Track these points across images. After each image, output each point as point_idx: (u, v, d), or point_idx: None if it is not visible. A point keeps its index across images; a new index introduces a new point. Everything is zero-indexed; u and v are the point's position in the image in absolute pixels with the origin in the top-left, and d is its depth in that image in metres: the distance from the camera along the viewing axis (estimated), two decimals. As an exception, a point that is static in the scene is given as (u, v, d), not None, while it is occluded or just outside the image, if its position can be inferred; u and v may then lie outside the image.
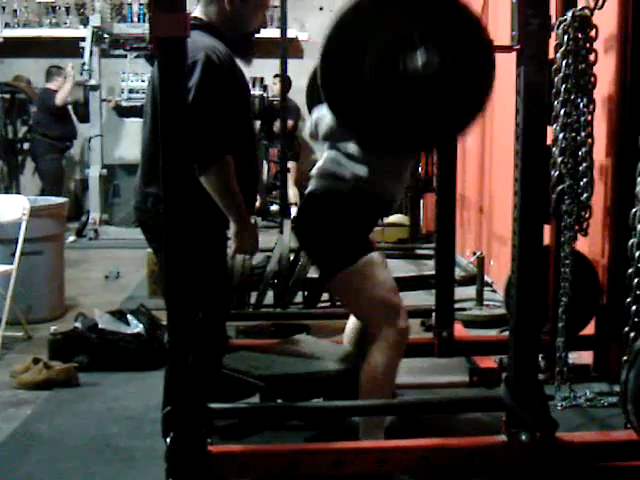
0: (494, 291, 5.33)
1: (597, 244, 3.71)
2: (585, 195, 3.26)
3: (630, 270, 2.37)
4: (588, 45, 3.19)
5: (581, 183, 3.26)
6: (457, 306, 4.03)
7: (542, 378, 2.99)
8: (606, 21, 3.37)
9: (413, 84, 2.14)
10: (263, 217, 8.03)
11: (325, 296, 4.72)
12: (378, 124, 2.21)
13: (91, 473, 2.84)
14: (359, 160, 2.71)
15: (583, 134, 3.23)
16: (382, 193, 2.78)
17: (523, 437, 2.32)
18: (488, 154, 5.86)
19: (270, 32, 5.90)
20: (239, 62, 2.62)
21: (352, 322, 3.06)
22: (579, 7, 3.22)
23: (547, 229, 3.41)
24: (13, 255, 4.31)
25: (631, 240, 2.37)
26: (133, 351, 3.94)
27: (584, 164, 3.24)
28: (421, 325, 4.42)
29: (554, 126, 3.22)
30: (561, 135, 3.22)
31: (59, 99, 7.97)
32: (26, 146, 8.95)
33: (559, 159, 3.24)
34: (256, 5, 2.62)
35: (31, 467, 2.90)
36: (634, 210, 2.36)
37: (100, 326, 4.03)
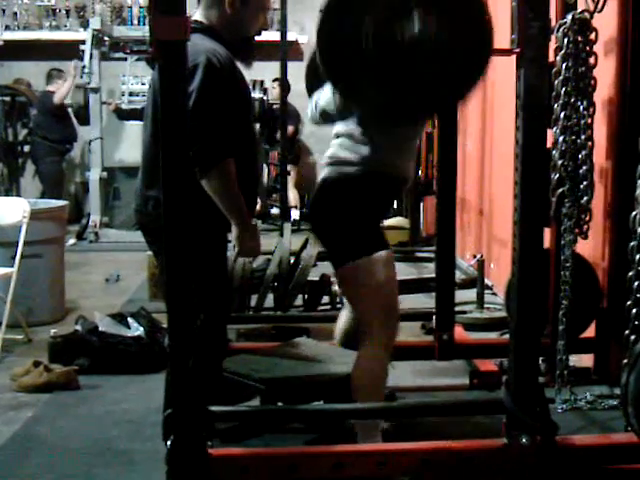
0: (494, 294, 5.33)
1: (597, 247, 3.71)
2: (585, 198, 3.26)
3: (630, 273, 2.37)
4: (588, 48, 3.20)
5: (581, 186, 3.26)
6: (457, 309, 4.04)
7: (542, 381, 2.98)
8: (606, 24, 3.38)
9: (411, 50, 2.15)
10: (263, 220, 8.03)
11: (325, 299, 4.72)
12: (378, 92, 2.21)
13: (91, 476, 2.84)
14: (365, 141, 2.69)
15: (583, 137, 3.23)
16: (392, 172, 2.75)
17: (524, 440, 2.31)
18: (488, 157, 5.86)
19: (270, 35, 5.91)
20: (240, 65, 2.62)
21: (342, 321, 3.08)
22: (579, 10, 3.22)
23: (547, 232, 3.42)
24: (13, 258, 4.31)
25: (631, 243, 2.37)
26: (133, 354, 3.94)
27: (584, 167, 3.25)
28: (421, 328, 4.42)
29: (554, 129, 3.23)
30: (561, 138, 3.22)
31: (57, 97, 7.97)
32: (26, 149, 8.97)
33: (559, 162, 3.24)
34: (256, 8, 2.63)
35: (31, 470, 2.89)
36: (634, 213, 2.36)
37: (100, 329, 4.03)
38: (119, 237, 7.75)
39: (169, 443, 2.17)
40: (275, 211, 8.16)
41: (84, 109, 7.95)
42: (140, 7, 9.30)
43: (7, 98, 8.87)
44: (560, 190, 3.27)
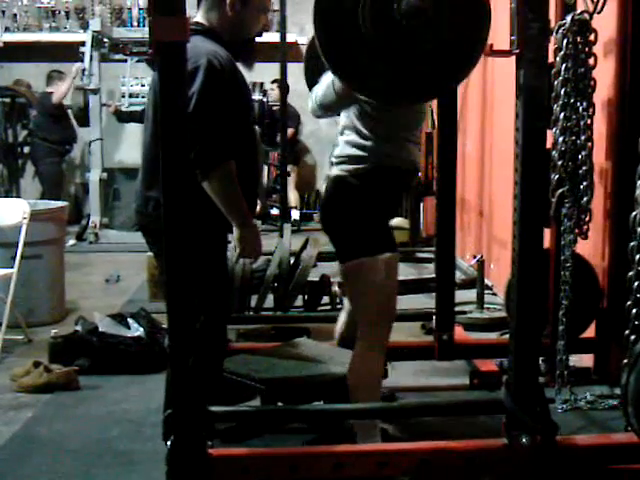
0: (494, 294, 5.33)
1: (597, 247, 3.71)
2: (585, 198, 3.27)
3: (630, 273, 2.38)
4: (587, 49, 3.20)
5: (581, 186, 3.26)
6: (457, 309, 4.04)
7: (543, 381, 2.99)
8: (605, 25, 3.38)
9: (408, 30, 2.16)
10: (263, 221, 8.03)
11: (325, 299, 4.72)
12: (376, 73, 2.22)
13: (91, 476, 2.84)
14: (367, 135, 2.69)
15: (583, 137, 3.24)
16: (400, 166, 2.75)
17: (524, 440, 2.32)
18: (488, 157, 5.86)
19: (270, 36, 5.91)
20: (240, 67, 2.62)
21: (342, 321, 3.08)
22: (578, 11, 3.22)
23: (547, 232, 3.42)
24: (13, 259, 4.31)
25: (631, 243, 2.37)
26: (133, 354, 3.94)
27: (584, 167, 3.25)
28: (421, 328, 4.42)
29: (554, 130, 3.23)
30: (561, 139, 3.22)
31: (55, 97, 7.97)
32: (26, 150, 8.97)
33: (559, 162, 3.24)
34: (257, 9, 2.63)
35: (31, 470, 2.89)
36: (634, 213, 2.36)
37: (100, 329, 4.04)
38: (119, 238, 7.74)
39: (169, 443, 2.17)
40: (275, 212, 8.16)
41: (84, 110, 7.96)
42: (140, 8, 9.31)
43: (7, 99, 8.87)
44: (560, 190, 3.27)
